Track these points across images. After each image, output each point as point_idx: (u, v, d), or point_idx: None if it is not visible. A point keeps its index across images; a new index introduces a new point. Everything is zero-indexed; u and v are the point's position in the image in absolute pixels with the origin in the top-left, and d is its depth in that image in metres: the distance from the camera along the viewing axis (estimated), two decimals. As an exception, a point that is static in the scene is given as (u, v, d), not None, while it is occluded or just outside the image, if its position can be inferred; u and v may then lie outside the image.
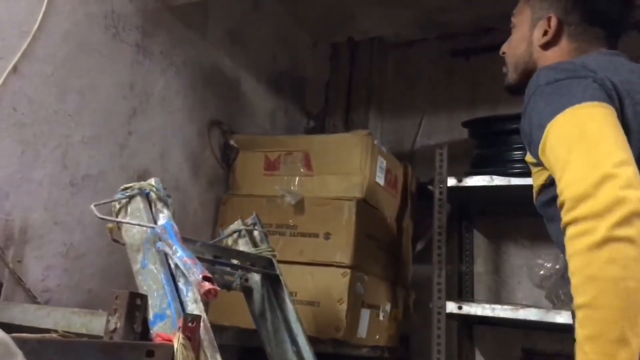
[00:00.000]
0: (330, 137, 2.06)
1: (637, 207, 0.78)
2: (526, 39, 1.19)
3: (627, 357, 0.75)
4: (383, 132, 2.66)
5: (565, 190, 0.84)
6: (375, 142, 1.92)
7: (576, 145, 0.87)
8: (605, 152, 0.84)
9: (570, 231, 0.82)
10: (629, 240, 0.77)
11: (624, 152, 0.85)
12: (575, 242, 0.81)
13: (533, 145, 0.97)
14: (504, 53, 1.26)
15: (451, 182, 1.92)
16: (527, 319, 1.71)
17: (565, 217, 0.83)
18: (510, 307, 1.76)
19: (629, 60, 1.10)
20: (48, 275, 1.44)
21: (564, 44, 1.14)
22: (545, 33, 1.15)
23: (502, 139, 1.97)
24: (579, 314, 0.80)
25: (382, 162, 1.95)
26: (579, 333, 0.79)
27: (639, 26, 2.20)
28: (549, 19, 1.15)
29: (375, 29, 2.63)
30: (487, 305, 1.79)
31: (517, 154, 1.89)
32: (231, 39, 2.19)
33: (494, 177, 1.86)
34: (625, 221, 0.78)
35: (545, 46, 1.16)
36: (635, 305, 0.76)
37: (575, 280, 0.81)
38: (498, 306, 1.78)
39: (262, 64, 2.39)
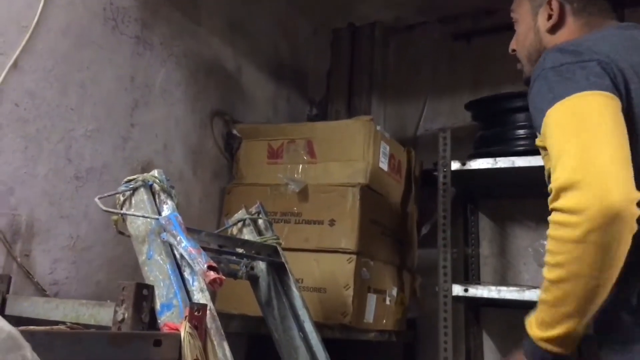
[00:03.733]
0: (332, 124, 2.06)
1: (619, 215, 0.82)
2: (532, 29, 1.20)
3: (569, 327, 0.90)
4: (386, 118, 2.65)
5: (555, 180, 0.88)
6: (378, 127, 1.91)
7: (571, 136, 0.90)
8: (599, 148, 0.86)
9: (553, 217, 0.89)
10: (601, 246, 0.83)
11: (618, 148, 0.87)
12: (555, 228, 0.88)
13: (536, 128, 0.99)
14: (513, 50, 1.27)
15: (455, 165, 1.91)
16: (533, 300, 1.70)
17: (551, 204, 0.89)
18: (516, 288, 1.76)
19: None
20: (56, 268, 1.46)
21: (571, 23, 1.14)
22: (549, 17, 1.16)
23: (504, 117, 1.96)
24: (544, 281, 0.91)
25: (385, 148, 1.94)
26: (541, 293, 0.93)
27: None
28: (549, 3, 1.16)
29: (376, 14, 2.61)
30: (493, 287, 1.79)
31: (520, 132, 1.89)
32: (231, 28, 2.18)
33: (498, 159, 1.85)
34: (602, 227, 0.83)
35: (552, 30, 1.16)
36: (588, 298, 0.87)
37: (547, 257, 0.90)
38: (504, 288, 1.78)
39: (262, 52, 2.38)
